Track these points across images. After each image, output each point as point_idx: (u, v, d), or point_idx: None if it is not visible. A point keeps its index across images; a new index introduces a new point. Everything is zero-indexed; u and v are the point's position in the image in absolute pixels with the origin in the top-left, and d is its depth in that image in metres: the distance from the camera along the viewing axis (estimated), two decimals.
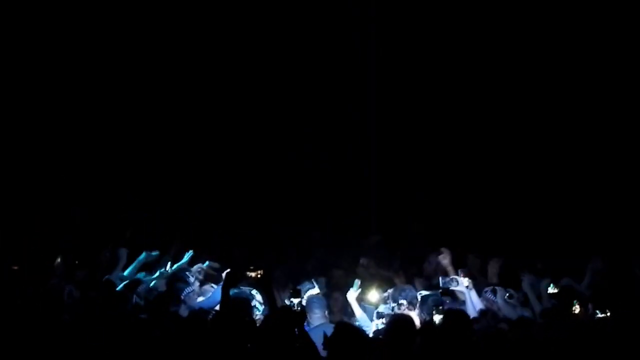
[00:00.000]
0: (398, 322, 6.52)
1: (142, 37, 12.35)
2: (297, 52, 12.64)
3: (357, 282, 8.16)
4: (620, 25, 11.58)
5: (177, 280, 8.03)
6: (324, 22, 12.49)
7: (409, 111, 12.67)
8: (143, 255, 8.83)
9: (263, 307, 7.67)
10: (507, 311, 7.80)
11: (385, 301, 7.99)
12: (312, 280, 8.29)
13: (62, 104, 12.32)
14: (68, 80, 12.28)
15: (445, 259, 8.50)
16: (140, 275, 8.51)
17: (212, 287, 8.03)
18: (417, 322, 7.32)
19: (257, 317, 7.49)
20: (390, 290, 7.97)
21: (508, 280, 8.50)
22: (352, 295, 8.12)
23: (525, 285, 8.25)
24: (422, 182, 12.45)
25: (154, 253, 8.94)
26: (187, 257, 8.86)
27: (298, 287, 7.81)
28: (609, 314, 7.36)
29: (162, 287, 8.17)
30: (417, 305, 7.67)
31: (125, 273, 8.59)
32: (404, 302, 7.67)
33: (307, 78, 12.64)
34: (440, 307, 7.46)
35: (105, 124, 12.49)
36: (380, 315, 7.68)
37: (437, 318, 7.37)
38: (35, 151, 12.07)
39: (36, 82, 12.11)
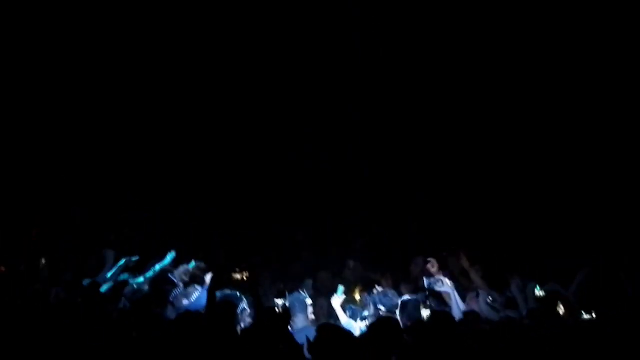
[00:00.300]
0: (383, 324, 6.58)
1: (142, 37, 12.36)
2: (297, 51, 12.65)
3: (342, 288, 8.20)
4: (618, 24, 11.57)
5: (163, 282, 8.07)
6: (324, 21, 12.49)
7: (409, 111, 12.67)
8: (123, 261, 8.79)
9: (249, 309, 7.70)
10: (489, 314, 7.84)
11: (366, 305, 8.02)
12: (300, 290, 8.29)
13: (62, 104, 12.35)
14: (67, 79, 12.30)
15: (433, 268, 8.57)
16: (125, 276, 8.50)
17: (196, 288, 8.04)
18: None
19: (244, 319, 7.56)
20: (372, 294, 8.01)
21: (495, 284, 8.54)
22: (336, 300, 8.17)
23: (514, 288, 8.29)
24: (421, 182, 12.44)
25: (134, 258, 8.92)
26: (169, 258, 8.83)
27: (283, 289, 7.89)
28: (594, 315, 7.45)
29: (148, 289, 8.17)
30: (397, 311, 7.67)
31: (107, 276, 8.59)
32: (383, 308, 7.71)
33: (307, 78, 12.65)
34: (427, 302, 7.55)
35: (104, 123, 12.51)
36: (363, 318, 7.73)
37: (425, 314, 7.46)
38: (35, 151, 12.10)
39: (35, 82, 12.14)
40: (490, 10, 12.06)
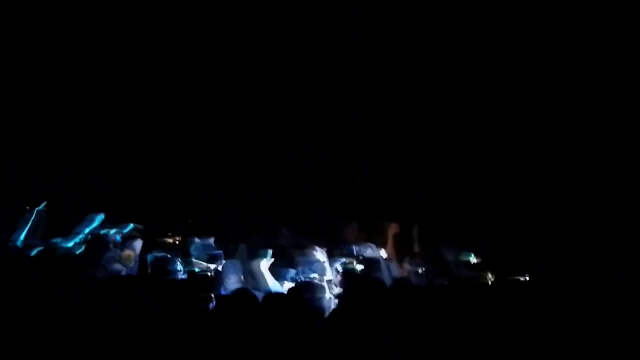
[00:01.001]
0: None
1: (141, 41, 12.31)
2: (296, 51, 12.62)
3: (270, 252, 8.29)
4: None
5: (97, 244, 8.09)
6: (325, 21, 12.48)
7: (409, 111, 12.68)
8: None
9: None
10: (419, 282, 7.93)
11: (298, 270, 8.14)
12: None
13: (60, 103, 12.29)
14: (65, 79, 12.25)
15: (359, 235, 8.68)
16: (57, 240, 8.49)
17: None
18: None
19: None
20: (304, 258, 8.12)
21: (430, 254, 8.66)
22: (264, 265, 8.26)
23: (446, 256, 8.40)
24: (421, 182, 12.42)
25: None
26: (98, 220, 8.76)
27: (215, 254, 7.99)
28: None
29: (80, 252, 8.17)
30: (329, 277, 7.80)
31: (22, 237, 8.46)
32: (315, 275, 7.84)
33: (306, 78, 12.63)
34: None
35: (103, 123, 12.41)
36: (292, 280, 7.86)
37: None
38: (33, 148, 12.00)
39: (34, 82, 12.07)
40: (490, 10, 12.08)
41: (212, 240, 8.64)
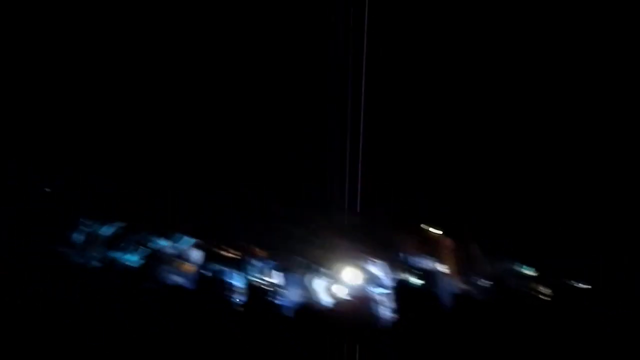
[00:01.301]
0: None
1: (141, 41, 12.17)
2: (297, 51, 12.54)
3: (326, 266, 8.25)
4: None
5: (156, 258, 8.03)
6: (325, 21, 12.42)
7: (408, 111, 12.68)
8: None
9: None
10: (476, 295, 7.99)
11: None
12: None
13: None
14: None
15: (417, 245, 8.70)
16: (117, 254, 8.36)
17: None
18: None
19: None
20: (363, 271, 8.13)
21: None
22: (321, 279, 8.25)
23: (500, 268, 8.46)
24: (421, 181, 12.42)
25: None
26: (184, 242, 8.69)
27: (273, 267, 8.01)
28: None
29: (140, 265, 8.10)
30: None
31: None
32: (374, 289, 7.86)
33: (306, 78, 12.55)
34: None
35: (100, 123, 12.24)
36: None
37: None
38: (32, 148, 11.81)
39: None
40: (490, 11, 12.10)
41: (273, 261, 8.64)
